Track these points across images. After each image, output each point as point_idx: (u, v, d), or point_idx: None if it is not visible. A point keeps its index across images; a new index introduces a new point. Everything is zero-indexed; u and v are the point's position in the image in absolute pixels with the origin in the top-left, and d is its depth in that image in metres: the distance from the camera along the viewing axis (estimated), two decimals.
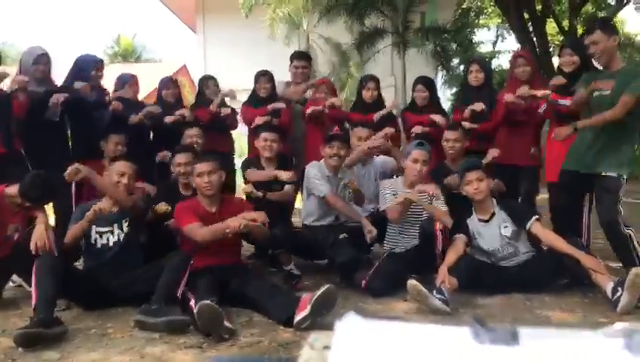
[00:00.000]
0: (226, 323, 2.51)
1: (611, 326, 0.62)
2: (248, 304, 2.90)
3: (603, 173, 3.29)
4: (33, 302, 2.60)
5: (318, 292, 2.58)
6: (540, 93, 3.78)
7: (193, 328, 2.57)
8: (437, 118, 4.34)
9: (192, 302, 2.67)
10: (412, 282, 2.84)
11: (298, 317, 2.56)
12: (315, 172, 3.82)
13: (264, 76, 4.65)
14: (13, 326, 2.73)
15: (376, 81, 4.66)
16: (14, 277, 3.41)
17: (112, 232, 3.20)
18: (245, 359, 1.81)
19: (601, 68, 3.48)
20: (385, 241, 3.71)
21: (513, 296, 3.07)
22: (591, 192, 3.57)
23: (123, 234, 3.20)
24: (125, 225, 3.22)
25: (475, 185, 3.27)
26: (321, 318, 2.58)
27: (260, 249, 3.88)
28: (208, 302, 2.49)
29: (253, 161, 4.13)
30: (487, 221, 3.33)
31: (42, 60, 3.98)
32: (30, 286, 3.39)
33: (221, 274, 2.99)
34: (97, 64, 4.30)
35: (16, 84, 3.78)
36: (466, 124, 4.11)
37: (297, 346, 2.32)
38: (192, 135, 4.15)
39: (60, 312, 2.86)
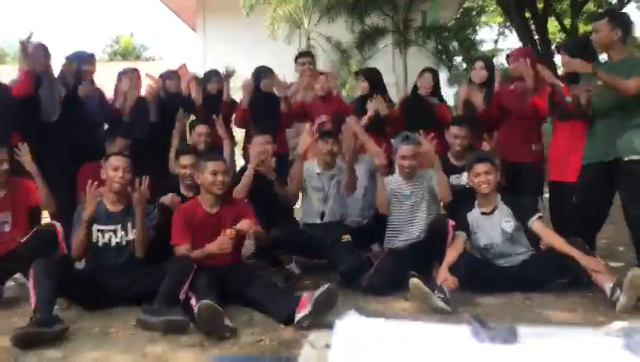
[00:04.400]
0: (227, 322, 2.52)
1: (611, 326, 0.62)
2: (248, 303, 2.90)
3: (626, 158, 3.22)
4: (32, 303, 2.61)
5: (319, 291, 2.59)
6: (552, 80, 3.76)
7: (194, 327, 2.58)
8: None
9: (193, 301, 2.68)
10: (414, 281, 2.84)
11: (299, 316, 2.57)
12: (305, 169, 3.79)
13: (268, 73, 4.66)
14: (13, 326, 2.73)
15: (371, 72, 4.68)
16: (17, 275, 3.42)
17: (114, 232, 3.15)
18: (246, 358, 1.81)
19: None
20: (385, 240, 3.71)
21: (513, 295, 3.07)
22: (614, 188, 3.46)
23: (127, 239, 3.15)
24: (130, 228, 3.16)
25: (483, 177, 3.27)
26: (322, 317, 2.58)
27: (260, 248, 3.89)
28: (208, 301, 2.50)
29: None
30: (488, 214, 3.33)
31: (42, 51, 3.98)
32: None
33: (221, 273, 2.99)
34: (87, 59, 4.29)
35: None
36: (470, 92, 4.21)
37: (298, 345, 2.32)
38: (201, 132, 4.14)
39: (62, 311, 2.87)
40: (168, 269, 2.85)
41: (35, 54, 3.90)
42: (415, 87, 4.63)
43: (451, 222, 3.31)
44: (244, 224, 3.06)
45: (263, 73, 4.63)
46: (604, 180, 3.39)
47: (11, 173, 3.38)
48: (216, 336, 2.47)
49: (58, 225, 3.22)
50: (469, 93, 4.27)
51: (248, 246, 3.93)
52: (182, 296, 2.79)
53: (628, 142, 3.24)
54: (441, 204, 3.73)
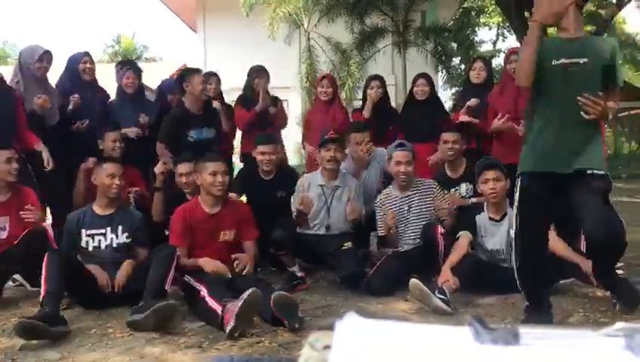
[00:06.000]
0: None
1: (612, 326, 0.62)
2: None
3: (589, 171, 2.40)
4: (41, 295, 2.62)
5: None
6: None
7: (192, 326, 2.57)
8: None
9: (204, 293, 2.69)
10: (414, 281, 2.83)
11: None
12: (301, 183, 3.76)
13: (263, 72, 4.65)
14: (13, 326, 2.73)
15: (381, 79, 4.67)
16: (16, 275, 3.41)
17: (104, 235, 3.13)
18: (245, 359, 1.80)
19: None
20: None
21: (514, 296, 3.06)
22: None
23: (117, 242, 3.14)
24: (121, 232, 3.14)
25: (492, 184, 3.21)
26: (321, 318, 2.58)
27: (261, 249, 3.87)
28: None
29: (249, 173, 4.09)
30: (498, 220, 3.31)
31: (45, 58, 3.98)
32: (32, 285, 3.40)
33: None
34: (83, 57, 4.27)
35: (39, 106, 3.78)
36: (465, 118, 4.12)
37: (297, 346, 2.32)
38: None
39: (60, 311, 2.86)
40: (152, 259, 2.86)
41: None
42: (411, 94, 4.62)
43: (440, 230, 3.30)
44: (243, 260, 3.05)
45: (254, 73, 4.64)
46: (549, 194, 2.49)
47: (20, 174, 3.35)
48: (228, 334, 2.44)
49: (49, 226, 3.20)
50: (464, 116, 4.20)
51: None
52: (168, 286, 2.79)
53: (585, 156, 2.43)
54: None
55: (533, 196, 2.47)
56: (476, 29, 19.21)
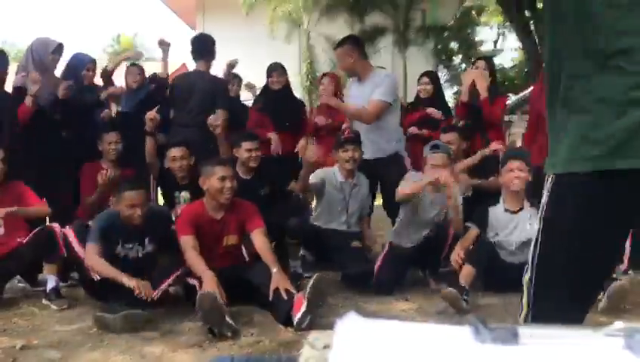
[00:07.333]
0: (229, 320, 2.51)
1: (612, 326, 0.62)
2: (251, 294, 2.86)
3: None
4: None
5: (309, 286, 2.57)
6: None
7: (194, 326, 2.57)
8: (431, 110, 4.35)
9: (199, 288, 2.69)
10: (454, 291, 2.83)
11: (297, 317, 2.55)
12: (319, 176, 3.75)
13: (280, 69, 4.65)
14: (13, 326, 2.73)
15: None
16: (18, 277, 3.42)
17: (130, 248, 3.08)
18: (245, 358, 1.81)
19: None
20: (393, 233, 3.67)
21: (514, 296, 3.05)
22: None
23: (143, 253, 3.09)
24: (148, 242, 3.10)
25: (516, 173, 3.23)
26: (321, 318, 2.59)
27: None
28: (210, 291, 2.48)
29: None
30: (514, 212, 3.31)
31: (59, 51, 4.02)
32: (31, 286, 3.40)
33: (221, 275, 2.96)
34: (89, 64, 4.28)
35: (32, 84, 3.70)
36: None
37: (298, 345, 2.32)
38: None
39: (60, 312, 2.87)
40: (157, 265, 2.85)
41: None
42: (418, 95, 4.62)
43: (452, 231, 3.31)
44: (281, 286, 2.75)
45: (272, 70, 4.62)
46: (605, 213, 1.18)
47: (7, 176, 3.33)
48: (217, 334, 2.46)
49: (57, 226, 3.20)
50: (475, 76, 4.10)
51: None
52: (156, 296, 2.74)
53: None
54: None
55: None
56: (477, 28, 19.20)
